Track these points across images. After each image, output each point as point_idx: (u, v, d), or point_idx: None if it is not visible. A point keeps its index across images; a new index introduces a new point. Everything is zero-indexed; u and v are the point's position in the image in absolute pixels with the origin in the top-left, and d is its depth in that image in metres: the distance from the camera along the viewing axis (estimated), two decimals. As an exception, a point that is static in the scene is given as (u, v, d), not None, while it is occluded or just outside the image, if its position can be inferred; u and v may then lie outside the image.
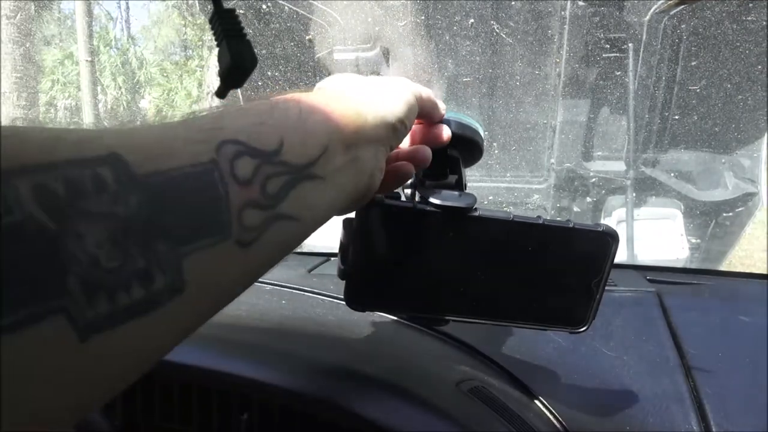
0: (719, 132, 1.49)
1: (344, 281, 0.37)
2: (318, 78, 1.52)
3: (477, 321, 0.39)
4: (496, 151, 1.54)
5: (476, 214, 0.35)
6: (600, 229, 0.36)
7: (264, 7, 1.45)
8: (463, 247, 0.36)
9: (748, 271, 1.35)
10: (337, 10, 1.49)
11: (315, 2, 1.48)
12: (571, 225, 0.36)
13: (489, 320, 0.39)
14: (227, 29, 0.22)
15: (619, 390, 0.47)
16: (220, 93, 0.23)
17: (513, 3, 1.40)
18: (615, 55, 1.43)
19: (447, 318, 0.39)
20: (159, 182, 0.19)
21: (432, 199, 0.34)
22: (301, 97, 0.26)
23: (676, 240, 1.54)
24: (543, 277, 0.37)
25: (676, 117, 1.48)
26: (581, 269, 0.37)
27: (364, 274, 0.36)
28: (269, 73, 1.46)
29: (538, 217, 0.36)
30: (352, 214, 0.35)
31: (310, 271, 0.77)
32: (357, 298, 0.37)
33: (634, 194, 1.51)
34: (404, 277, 0.37)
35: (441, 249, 0.36)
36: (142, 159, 0.19)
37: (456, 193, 0.36)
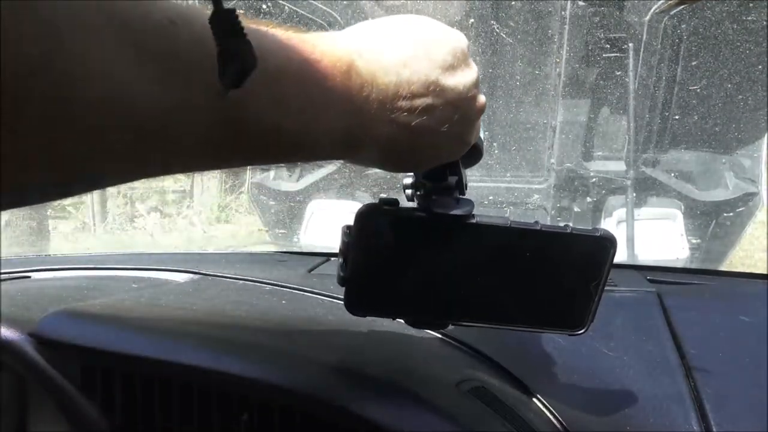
0: (719, 132, 1.49)
1: (344, 287, 0.37)
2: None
3: (476, 325, 0.39)
4: (496, 151, 1.54)
5: (474, 221, 0.35)
6: (598, 234, 0.36)
7: (264, 7, 1.45)
8: (461, 252, 0.36)
9: (748, 271, 1.35)
10: (337, 10, 1.49)
11: (315, 2, 1.48)
12: (568, 230, 0.36)
13: (488, 324, 0.39)
14: (227, 29, 0.22)
15: (619, 390, 0.47)
16: (220, 93, 0.23)
17: (513, 3, 1.40)
18: (615, 55, 1.43)
19: (447, 322, 0.39)
20: None
21: (429, 207, 0.34)
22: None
23: (677, 240, 1.54)
24: (541, 281, 0.37)
25: (676, 117, 1.48)
26: (579, 273, 0.37)
27: (363, 279, 0.36)
28: (269, 73, 1.46)
29: (536, 222, 0.35)
30: (351, 221, 0.35)
31: (310, 271, 0.77)
32: (357, 303, 0.37)
33: (634, 194, 1.51)
34: (404, 283, 0.37)
35: (440, 255, 0.36)
36: None
37: (454, 200, 0.35)
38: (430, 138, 0.31)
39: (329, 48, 0.27)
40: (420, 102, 0.29)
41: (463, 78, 0.31)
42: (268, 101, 0.24)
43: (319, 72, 0.26)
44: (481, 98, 0.33)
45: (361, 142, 0.29)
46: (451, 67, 0.31)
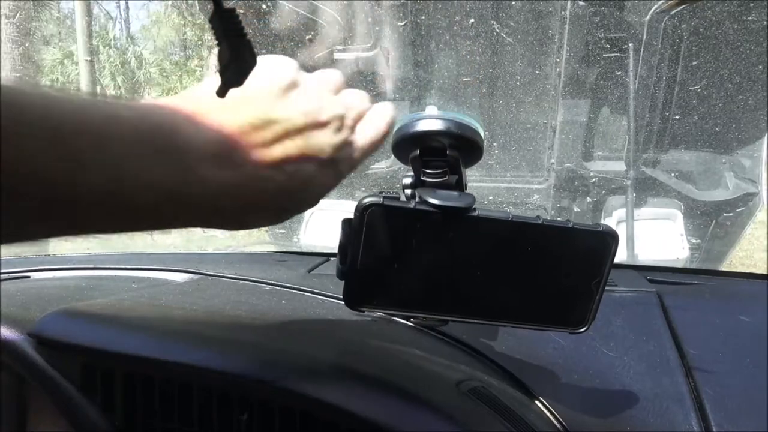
0: (719, 132, 1.49)
1: (343, 281, 0.37)
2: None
3: (476, 321, 0.39)
4: (496, 151, 1.54)
5: (475, 214, 0.35)
6: (600, 229, 0.36)
7: (264, 7, 1.45)
8: (462, 247, 0.36)
9: (748, 271, 1.36)
10: (337, 10, 1.49)
11: (315, 2, 1.48)
12: (570, 225, 0.36)
13: (488, 320, 0.39)
14: (227, 29, 0.22)
15: (619, 390, 0.47)
16: (220, 93, 0.24)
17: (513, 3, 1.40)
18: (615, 55, 1.43)
19: (446, 318, 0.39)
20: None
21: (430, 199, 0.34)
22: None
23: (677, 240, 1.54)
24: (542, 277, 0.37)
25: (677, 117, 1.48)
26: (581, 270, 0.37)
27: (363, 274, 0.36)
28: (269, 73, 1.46)
29: (538, 217, 0.35)
30: (351, 215, 0.35)
31: (310, 271, 0.77)
32: (356, 298, 0.37)
33: (634, 194, 1.51)
34: (403, 278, 0.37)
35: (440, 249, 0.36)
36: None
37: (455, 193, 0.35)
38: (276, 185, 0.30)
39: (148, 115, 0.27)
40: (241, 157, 0.29)
41: (287, 114, 0.30)
42: (76, 165, 0.24)
43: (136, 140, 0.26)
44: (324, 114, 0.32)
45: (199, 206, 0.29)
46: (276, 108, 0.30)
